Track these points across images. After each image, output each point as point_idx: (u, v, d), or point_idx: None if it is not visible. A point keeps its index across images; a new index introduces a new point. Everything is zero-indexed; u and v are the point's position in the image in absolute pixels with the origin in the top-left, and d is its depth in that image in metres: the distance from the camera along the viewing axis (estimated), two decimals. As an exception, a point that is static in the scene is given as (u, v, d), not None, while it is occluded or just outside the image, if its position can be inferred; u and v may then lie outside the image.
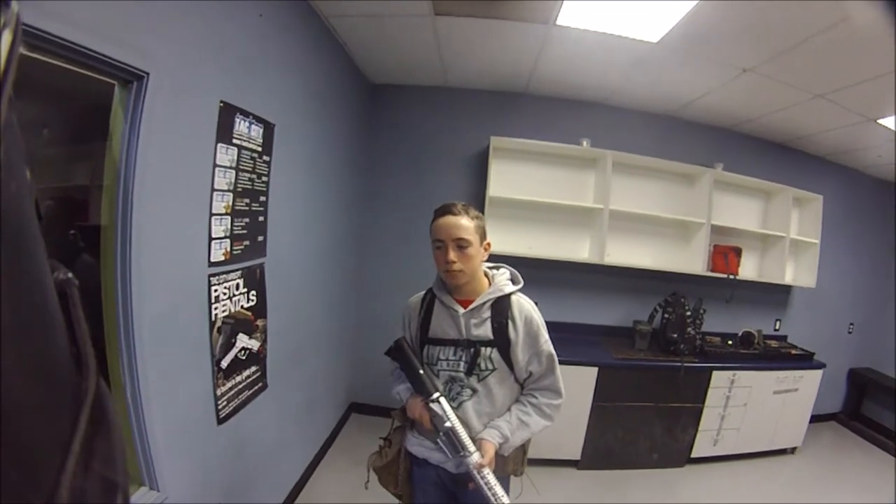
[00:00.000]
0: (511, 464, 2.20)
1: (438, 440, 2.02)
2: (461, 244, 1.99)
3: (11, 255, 0.37)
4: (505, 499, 1.89)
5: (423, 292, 2.29)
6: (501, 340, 2.07)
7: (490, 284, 2.15)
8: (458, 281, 2.03)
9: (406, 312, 2.30)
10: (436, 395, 2.02)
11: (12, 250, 0.37)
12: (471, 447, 1.95)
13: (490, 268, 2.23)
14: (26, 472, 0.38)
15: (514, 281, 2.20)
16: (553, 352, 2.14)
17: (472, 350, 2.07)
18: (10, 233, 0.37)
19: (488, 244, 2.12)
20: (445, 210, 2.03)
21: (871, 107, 4.16)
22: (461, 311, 2.09)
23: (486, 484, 1.89)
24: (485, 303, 2.09)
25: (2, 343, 0.35)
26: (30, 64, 1.53)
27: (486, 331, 2.08)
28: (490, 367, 2.07)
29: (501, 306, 2.10)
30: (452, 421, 1.98)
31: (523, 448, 2.24)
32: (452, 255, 1.97)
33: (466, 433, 1.98)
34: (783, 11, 2.88)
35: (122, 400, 2.00)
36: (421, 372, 2.07)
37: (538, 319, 2.14)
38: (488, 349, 2.07)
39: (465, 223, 2.00)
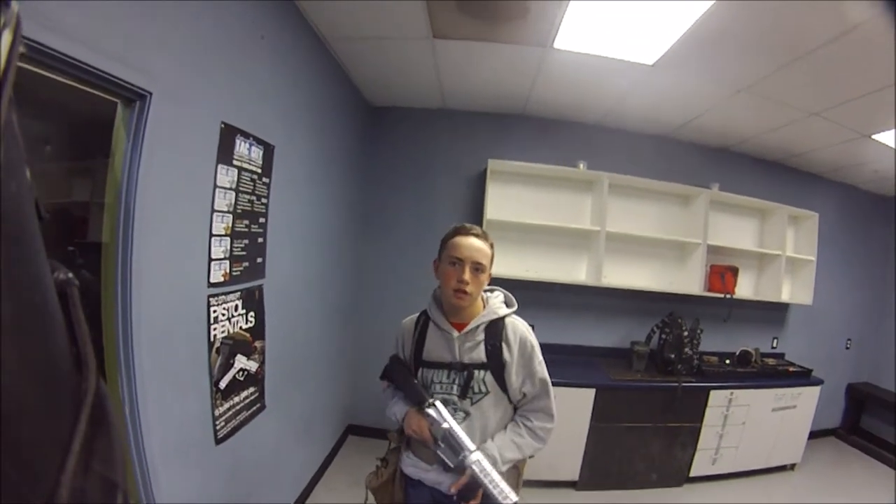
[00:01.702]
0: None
1: (438, 450, 1.98)
2: (478, 268, 2.00)
3: (11, 254, 0.38)
4: (513, 496, 1.87)
5: (416, 314, 2.28)
6: (495, 363, 2.06)
7: (484, 307, 2.15)
8: (464, 303, 2.02)
9: (400, 333, 2.29)
10: (430, 399, 2.01)
11: (12, 250, 0.38)
12: (471, 445, 1.93)
13: (484, 290, 2.20)
14: (26, 472, 0.39)
15: (507, 304, 2.20)
16: (547, 377, 2.14)
17: (465, 373, 2.06)
18: (10, 232, 0.37)
19: (490, 273, 2.12)
20: (468, 231, 2.05)
21: (866, 123, 4.20)
22: (455, 334, 2.08)
23: (490, 482, 1.87)
24: (479, 326, 2.08)
25: (2, 343, 0.35)
26: (34, 80, 1.54)
27: (479, 354, 2.07)
28: (483, 389, 2.06)
29: (496, 329, 2.10)
30: (449, 422, 1.96)
31: (518, 470, 2.20)
32: (468, 276, 1.97)
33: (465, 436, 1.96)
34: (777, 31, 2.92)
35: (121, 418, 1.99)
36: (416, 381, 2.09)
37: (532, 341, 2.14)
38: (482, 372, 2.06)
39: (486, 249, 2.04)
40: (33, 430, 0.40)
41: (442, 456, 1.97)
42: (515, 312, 2.18)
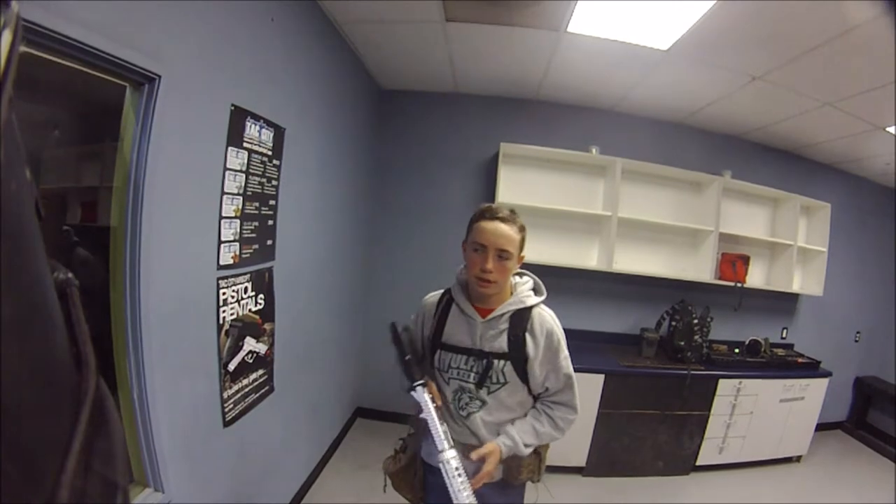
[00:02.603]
0: (525, 471, 2.10)
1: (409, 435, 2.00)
2: (502, 255, 1.88)
3: (11, 254, 0.37)
4: (469, 500, 1.74)
5: (440, 292, 2.20)
6: (516, 354, 1.96)
7: (511, 294, 2.05)
8: (487, 291, 1.94)
9: (421, 311, 2.22)
10: (415, 383, 1.90)
11: (12, 250, 0.38)
12: (442, 444, 1.80)
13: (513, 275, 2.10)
14: (26, 472, 0.38)
15: (536, 291, 2.10)
16: (572, 372, 2.06)
17: (484, 361, 1.97)
18: (10, 232, 0.37)
19: (522, 256, 2.01)
20: (494, 214, 1.93)
21: (879, 115, 4.15)
22: (479, 320, 2.00)
23: (450, 482, 1.74)
24: (504, 314, 1.99)
25: (2, 342, 0.35)
26: (41, 65, 1.54)
27: (501, 343, 1.98)
28: (502, 380, 1.98)
29: (521, 318, 1.99)
30: (427, 413, 1.85)
31: (539, 455, 2.15)
32: (491, 265, 1.87)
33: (446, 431, 1.83)
34: (793, 19, 2.88)
35: (129, 400, 2.00)
36: (407, 358, 1.94)
37: (559, 334, 2.03)
38: (501, 362, 1.97)
39: (512, 234, 1.90)
40: (33, 430, 0.40)
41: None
42: (544, 301, 2.08)
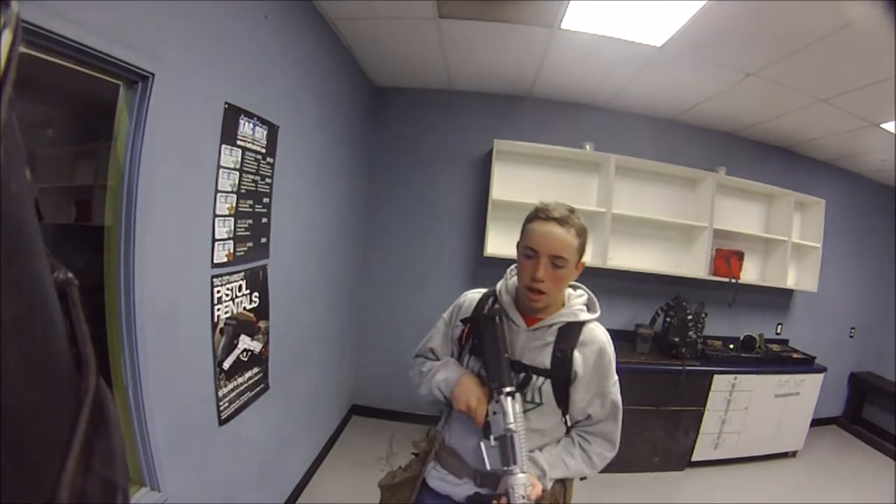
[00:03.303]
0: (548, 500, 1.79)
1: (483, 443, 1.63)
2: (557, 263, 1.64)
3: (11, 254, 0.37)
4: None
5: (483, 290, 1.94)
6: (559, 373, 1.71)
7: (563, 305, 1.82)
8: (538, 303, 1.69)
9: (458, 306, 1.96)
10: (510, 388, 1.62)
11: (12, 249, 0.38)
12: (524, 465, 1.57)
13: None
14: (26, 472, 0.38)
15: (590, 308, 1.84)
16: (620, 401, 1.82)
17: (521, 375, 1.73)
18: (10, 232, 0.37)
19: (582, 264, 1.76)
20: (549, 214, 1.68)
21: (874, 111, 4.17)
22: (523, 327, 1.76)
23: None
24: (553, 324, 1.74)
25: (2, 343, 0.35)
26: (34, 64, 1.53)
27: (544, 358, 1.73)
28: (537, 400, 1.72)
29: (570, 333, 1.75)
30: (518, 425, 1.58)
31: (564, 486, 1.88)
32: (542, 273, 1.63)
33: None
34: (787, 16, 2.89)
35: (124, 400, 2.00)
36: (507, 355, 1.68)
37: (611, 355, 1.80)
38: (540, 380, 1.71)
39: (569, 240, 1.65)
40: (33, 430, 0.40)
41: (484, 450, 1.63)
42: (597, 320, 1.83)
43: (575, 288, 1.91)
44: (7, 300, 0.36)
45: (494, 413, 1.61)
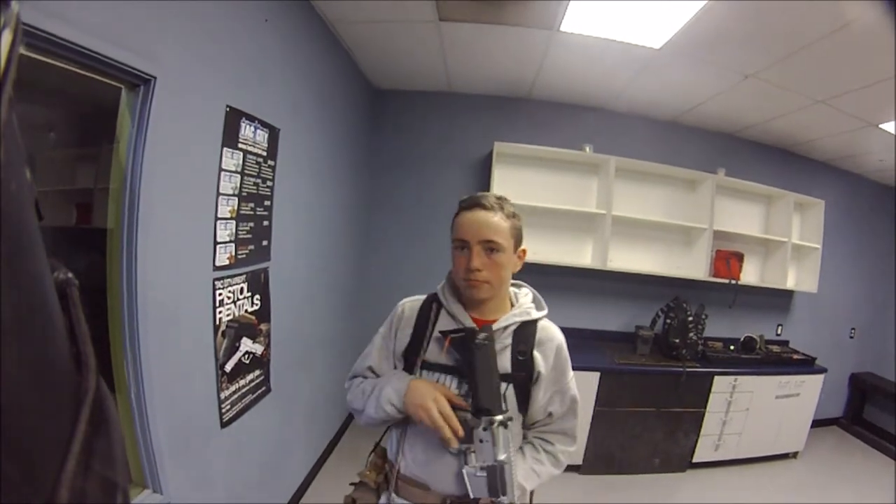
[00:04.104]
0: None
1: (466, 470, 1.48)
2: (491, 247, 1.54)
3: (11, 254, 0.37)
4: None
5: (421, 297, 1.81)
6: (522, 375, 1.61)
7: (512, 305, 1.73)
8: (480, 294, 1.58)
9: (396, 316, 1.80)
10: (502, 416, 1.47)
11: (13, 250, 0.38)
12: (515, 496, 1.49)
13: (510, 285, 1.76)
14: (26, 472, 0.38)
15: (537, 305, 1.75)
16: (577, 394, 1.75)
17: None
18: (10, 232, 0.37)
19: (523, 251, 1.68)
20: (474, 202, 1.60)
21: (872, 112, 4.18)
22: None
23: None
24: (508, 326, 1.64)
25: (2, 343, 0.35)
26: (36, 67, 1.54)
27: (503, 362, 1.60)
28: (503, 409, 1.54)
29: (526, 333, 1.66)
30: (510, 455, 1.47)
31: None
32: (477, 262, 1.53)
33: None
34: (785, 17, 2.90)
35: (127, 402, 2.00)
36: (497, 378, 1.54)
37: (567, 352, 1.72)
38: (503, 385, 1.57)
39: (498, 222, 1.56)
40: (33, 431, 0.40)
41: (466, 479, 1.48)
42: (546, 317, 1.75)
43: (519, 286, 1.83)
44: (7, 300, 0.36)
45: (482, 441, 1.47)
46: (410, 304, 1.80)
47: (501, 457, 1.45)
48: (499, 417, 1.46)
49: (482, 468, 1.47)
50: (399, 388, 1.56)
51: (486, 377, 1.50)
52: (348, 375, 1.88)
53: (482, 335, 1.53)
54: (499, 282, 1.59)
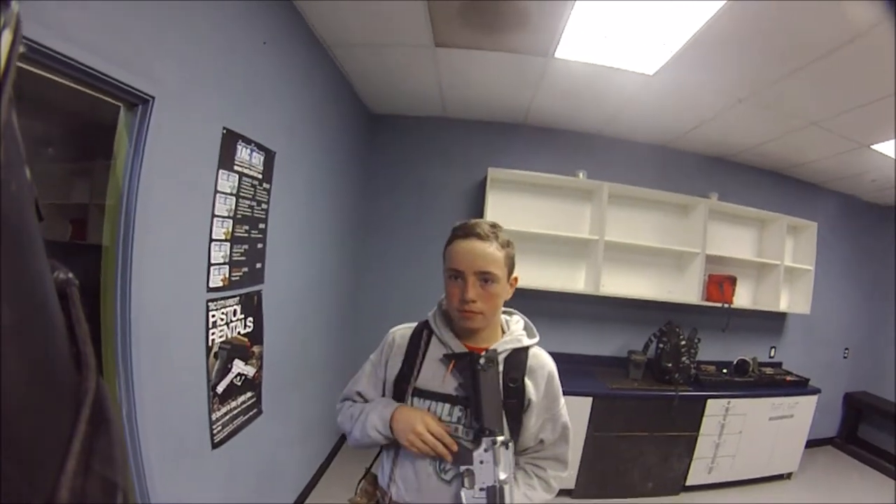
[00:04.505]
0: None
1: (464, 492, 1.49)
2: (486, 278, 1.54)
3: (11, 254, 0.38)
4: None
5: (412, 325, 1.81)
6: (512, 402, 1.60)
7: (503, 332, 1.72)
8: (474, 325, 1.58)
9: (387, 344, 1.81)
10: (503, 437, 1.51)
11: (12, 250, 0.38)
12: None
13: (502, 312, 1.76)
14: (26, 472, 0.38)
15: (529, 333, 1.74)
16: (568, 421, 1.73)
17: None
18: (10, 232, 0.38)
19: (515, 279, 1.68)
20: (469, 231, 1.58)
21: (865, 133, 4.22)
22: None
23: None
24: (500, 353, 1.62)
25: (2, 343, 0.35)
26: (37, 82, 1.56)
27: None
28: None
29: (518, 360, 1.65)
30: (510, 475, 1.50)
31: None
32: (472, 293, 1.52)
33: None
34: (776, 42, 2.95)
35: (119, 420, 1.99)
36: (501, 401, 1.57)
37: (558, 380, 1.72)
38: None
39: (493, 252, 1.56)
40: (33, 431, 0.40)
41: (464, 500, 1.48)
42: (537, 344, 1.74)
43: (510, 314, 1.82)
44: (7, 300, 0.36)
45: (483, 462, 1.48)
46: (401, 332, 1.80)
47: (503, 476, 1.46)
48: (501, 438, 1.48)
49: (481, 489, 1.47)
50: (384, 415, 1.59)
51: (489, 399, 1.52)
52: (339, 398, 1.90)
53: (486, 358, 1.54)
54: (492, 312, 1.60)
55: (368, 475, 1.86)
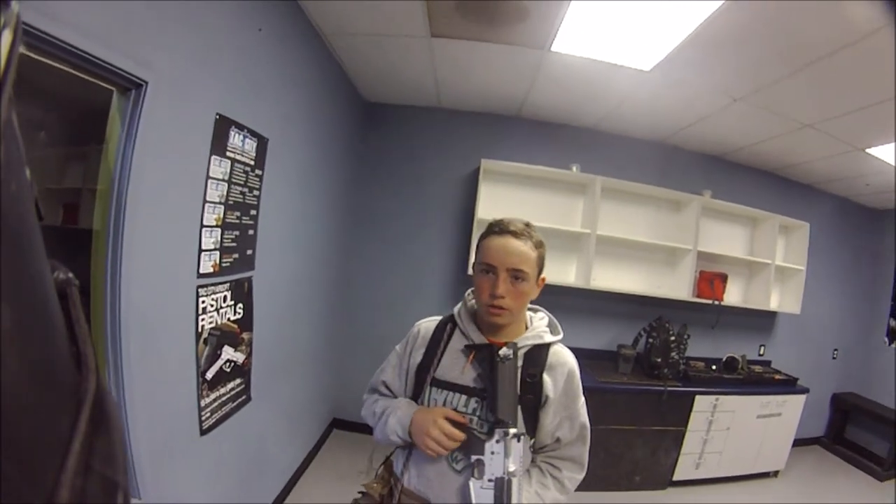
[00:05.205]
0: None
1: (472, 482, 1.51)
2: (517, 276, 1.57)
3: (11, 254, 0.38)
4: None
5: (437, 318, 1.86)
6: (529, 398, 1.61)
7: (527, 328, 1.74)
8: (500, 321, 1.61)
9: (412, 336, 1.84)
10: (516, 430, 1.52)
11: (12, 250, 0.38)
12: None
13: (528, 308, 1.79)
14: (26, 472, 0.38)
15: (552, 329, 1.77)
16: (587, 421, 1.74)
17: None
18: (10, 232, 0.37)
19: (543, 279, 1.71)
20: (504, 228, 1.61)
21: (860, 136, 4.23)
22: None
23: None
24: (520, 348, 1.64)
25: (2, 343, 0.35)
26: (29, 66, 1.54)
27: None
28: None
29: (538, 357, 1.67)
30: (519, 468, 1.51)
31: None
32: (502, 288, 1.55)
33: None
34: (772, 44, 2.94)
35: (119, 420, 1.99)
36: (518, 394, 1.58)
37: (579, 377, 1.73)
38: None
39: (527, 251, 1.58)
40: (33, 430, 0.40)
41: (472, 491, 1.51)
42: (561, 341, 1.77)
43: (535, 311, 1.85)
44: (7, 300, 0.36)
45: (494, 453, 1.51)
46: (426, 324, 1.85)
47: (512, 468, 1.48)
48: (513, 430, 1.50)
49: (489, 480, 1.50)
50: (403, 421, 1.62)
51: (505, 391, 1.54)
52: (367, 388, 1.94)
53: (506, 350, 1.58)
54: (519, 309, 1.64)
55: (387, 461, 1.89)
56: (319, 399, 4.83)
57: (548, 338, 1.71)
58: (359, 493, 1.87)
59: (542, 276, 1.70)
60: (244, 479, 3.18)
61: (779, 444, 5.38)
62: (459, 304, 1.81)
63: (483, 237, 1.67)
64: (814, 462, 6.08)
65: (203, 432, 2.60)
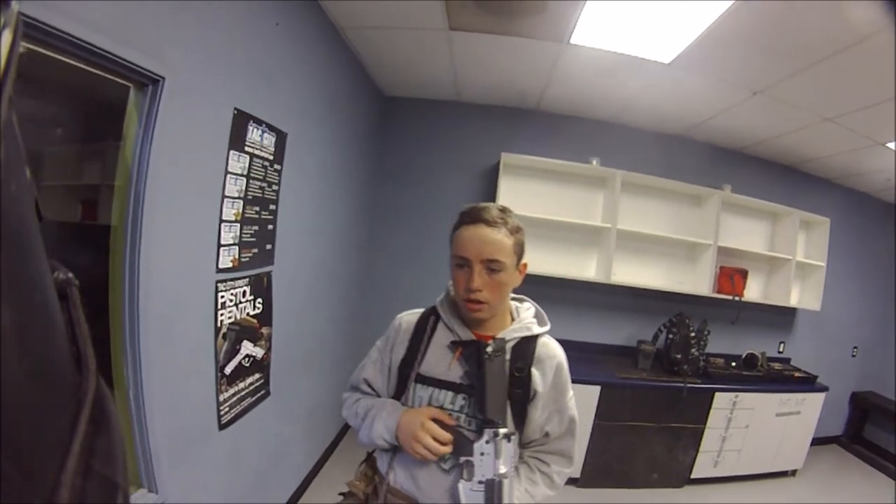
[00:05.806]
0: None
1: (462, 484, 1.47)
2: (493, 267, 1.48)
3: (11, 254, 0.37)
4: None
5: (419, 311, 1.77)
6: (517, 392, 1.55)
7: (513, 320, 1.67)
8: (479, 315, 1.53)
9: (393, 330, 1.77)
10: (506, 430, 1.47)
11: (12, 250, 0.38)
12: None
13: (511, 299, 1.70)
14: (26, 472, 0.38)
15: (539, 321, 1.69)
16: (576, 415, 1.69)
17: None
18: (10, 232, 0.37)
19: (524, 265, 1.62)
20: (476, 216, 1.52)
21: (879, 131, 4.17)
22: None
23: None
24: (507, 342, 1.57)
25: (2, 343, 0.35)
26: (46, 63, 1.54)
27: None
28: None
29: (525, 349, 1.60)
30: (511, 469, 1.47)
31: None
32: (478, 282, 1.47)
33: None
34: (793, 37, 2.91)
35: (125, 400, 2.00)
36: (507, 392, 1.53)
37: (568, 370, 1.67)
38: None
39: (501, 239, 1.49)
40: (33, 431, 0.40)
41: (462, 492, 1.47)
42: (548, 333, 1.70)
43: (521, 300, 1.77)
44: (7, 300, 0.36)
45: (483, 454, 1.46)
46: (408, 317, 1.77)
47: (503, 470, 1.44)
48: (503, 430, 1.45)
49: (480, 482, 1.45)
50: (389, 426, 1.55)
51: (494, 390, 1.48)
52: (347, 385, 1.91)
53: (493, 347, 1.51)
54: (499, 301, 1.55)
55: (370, 459, 1.84)
56: (338, 394, 4.81)
57: (535, 329, 1.64)
58: (340, 494, 1.84)
59: (524, 262, 1.61)
60: (261, 475, 3.19)
61: (797, 443, 5.33)
62: (442, 295, 1.74)
63: (455, 227, 1.58)
64: (832, 461, 6.04)
65: (222, 427, 2.61)
